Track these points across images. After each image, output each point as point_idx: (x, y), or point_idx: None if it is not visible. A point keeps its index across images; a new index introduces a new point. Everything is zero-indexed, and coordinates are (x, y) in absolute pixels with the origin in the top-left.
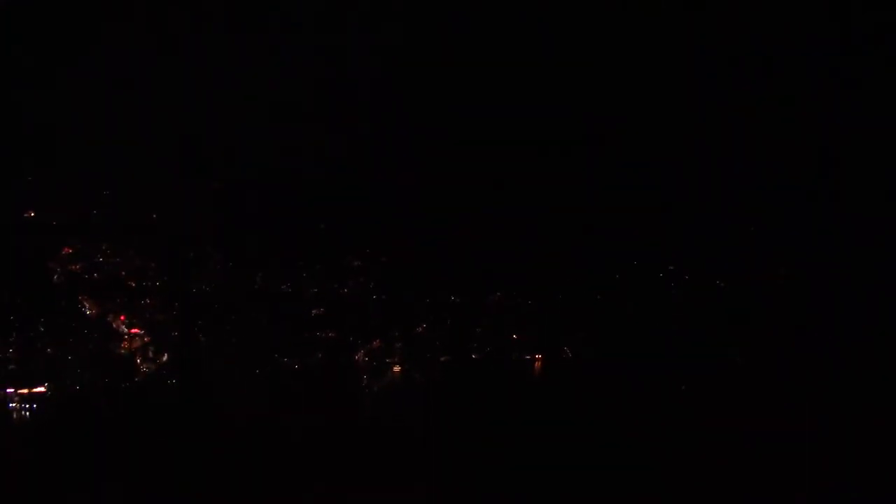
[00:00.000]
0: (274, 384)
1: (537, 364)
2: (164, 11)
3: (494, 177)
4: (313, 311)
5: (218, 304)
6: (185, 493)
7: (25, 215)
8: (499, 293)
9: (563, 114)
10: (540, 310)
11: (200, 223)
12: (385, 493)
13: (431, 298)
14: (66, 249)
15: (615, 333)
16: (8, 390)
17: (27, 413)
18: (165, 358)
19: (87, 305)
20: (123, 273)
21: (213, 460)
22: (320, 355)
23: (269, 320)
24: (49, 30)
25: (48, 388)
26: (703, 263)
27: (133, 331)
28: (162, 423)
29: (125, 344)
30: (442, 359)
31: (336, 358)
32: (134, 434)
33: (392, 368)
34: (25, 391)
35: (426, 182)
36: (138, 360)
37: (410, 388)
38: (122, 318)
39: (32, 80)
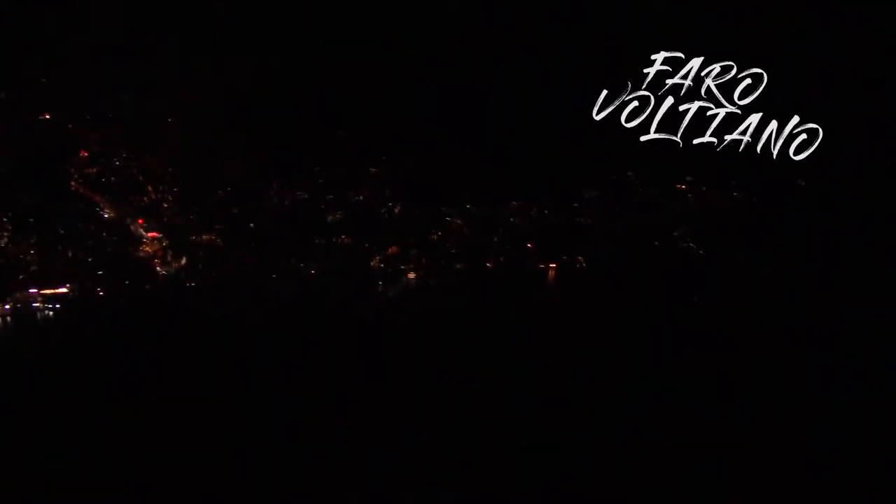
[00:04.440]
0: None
1: (551, 273)
2: None
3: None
4: (329, 218)
5: (236, 209)
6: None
7: (41, 117)
8: (514, 202)
9: None
10: (555, 219)
11: (219, 126)
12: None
13: (447, 206)
14: (82, 153)
15: (630, 244)
16: (30, 290)
17: (50, 314)
18: (183, 262)
19: (106, 209)
20: (141, 178)
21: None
22: (335, 261)
23: (286, 225)
24: None
25: (70, 290)
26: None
27: (151, 235)
28: (182, 326)
29: (144, 247)
30: (457, 266)
31: (351, 264)
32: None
33: (407, 275)
34: (48, 292)
35: (445, 91)
36: (156, 264)
37: (425, 294)
38: (140, 221)
39: None
